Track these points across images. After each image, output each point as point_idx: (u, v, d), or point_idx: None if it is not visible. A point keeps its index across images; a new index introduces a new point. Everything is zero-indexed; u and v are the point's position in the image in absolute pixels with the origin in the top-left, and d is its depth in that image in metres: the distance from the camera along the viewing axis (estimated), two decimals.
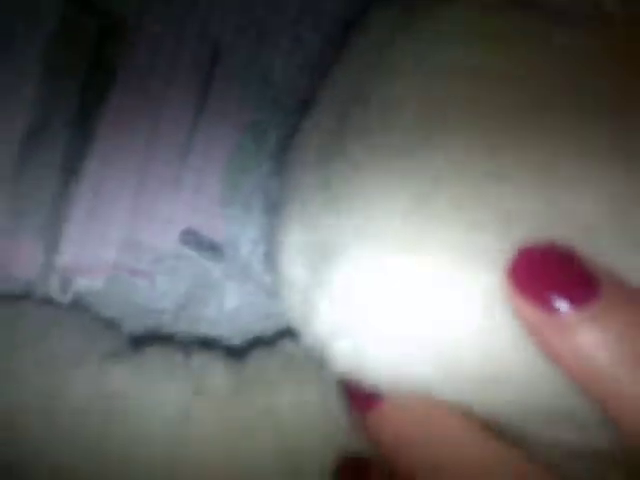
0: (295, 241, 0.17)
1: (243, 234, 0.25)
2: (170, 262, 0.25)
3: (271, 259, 0.19)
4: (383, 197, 0.15)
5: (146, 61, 0.24)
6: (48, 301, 0.23)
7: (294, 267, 0.17)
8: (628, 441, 0.14)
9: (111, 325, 0.23)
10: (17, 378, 0.20)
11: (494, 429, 0.16)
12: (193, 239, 0.25)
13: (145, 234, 0.25)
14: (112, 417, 0.20)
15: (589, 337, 0.14)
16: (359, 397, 0.18)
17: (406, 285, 0.15)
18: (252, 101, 0.25)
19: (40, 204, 0.24)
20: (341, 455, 0.19)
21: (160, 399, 0.20)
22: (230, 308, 0.26)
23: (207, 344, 0.24)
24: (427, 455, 0.17)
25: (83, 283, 0.24)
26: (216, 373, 0.21)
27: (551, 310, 0.15)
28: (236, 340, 0.24)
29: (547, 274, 0.15)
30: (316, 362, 0.18)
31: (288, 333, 0.23)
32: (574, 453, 0.16)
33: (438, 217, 0.15)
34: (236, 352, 0.23)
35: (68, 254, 0.24)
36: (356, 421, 0.18)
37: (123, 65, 0.24)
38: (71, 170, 0.24)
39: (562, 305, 0.15)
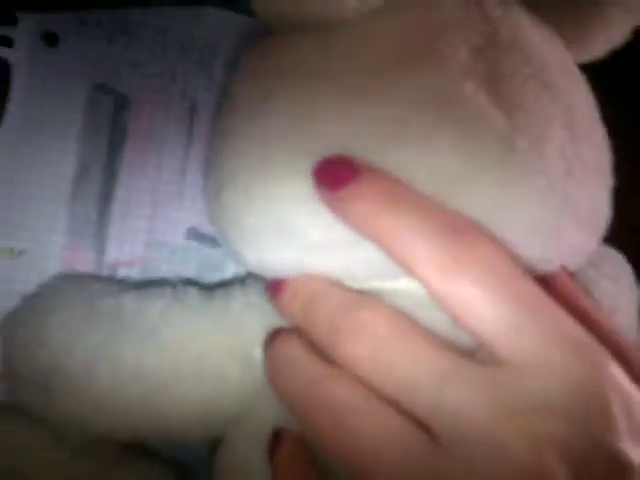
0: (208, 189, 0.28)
1: None
2: (181, 252, 0.36)
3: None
4: (244, 149, 0.26)
5: (148, 119, 0.36)
6: None
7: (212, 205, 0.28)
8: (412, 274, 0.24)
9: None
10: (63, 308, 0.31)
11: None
12: (195, 234, 0.36)
13: (161, 235, 0.36)
14: (122, 323, 0.30)
15: (360, 206, 0.23)
16: (271, 286, 0.27)
17: (266, 203, 0.26)
18: None
19: (89, 222, 0.35)
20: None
21: (150, 306, 0.30)
22: (228, 278, 0.36)
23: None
24: (321, 311, 0.25)
25: (124, 272, 0.35)
26: (191, 291, 0.32)
27: (334, 191, 0.23)
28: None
29: (331, 170, 0.24)
30: None
31: None
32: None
33: (275, 149, 0.25)
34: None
35: (112, 254, 0.35)
36: (275, 305, 0.27)
37: (133, 124, 0.35)
38: (106, 197, 0.35)
39: (340, 186, 0.23)
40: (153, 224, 0.35)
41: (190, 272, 0.36)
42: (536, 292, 0.23)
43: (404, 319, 0.24)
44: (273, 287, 0.27)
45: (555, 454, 0.21)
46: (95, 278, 0.34)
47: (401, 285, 0.26)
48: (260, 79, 0.26)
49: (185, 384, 0.30)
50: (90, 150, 0.35)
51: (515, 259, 0.24)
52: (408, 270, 0.23)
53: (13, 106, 0.33)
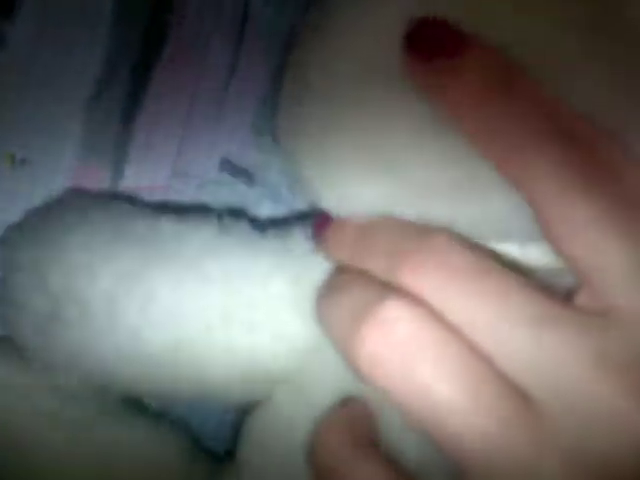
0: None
1: (272, 162, 0.31)
2: (211, 186, 0.30)
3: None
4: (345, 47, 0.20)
5: (192, 22, 0.30)
6: None
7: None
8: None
9: None
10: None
11: None
12: (229, 167, 0.31)
13: (191, 163, 0.30)
14: (158, 250, 0.25)
15: (461, 84, 0.18)
16: (317, 222, 0.22)
17: (361, 119, 0.20)
18: (277, 50, 0.30)
19: (107, 137, 0.29)
20: None
21: (193, 232, 0.25)
22: None
23: None
24: (378, 240, 0.20)
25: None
26: (242, 223, 0.26)
27: (429, 60, 0.18)
28: None
29: (431, 35, 0.18)
30: None
31: None
32: None
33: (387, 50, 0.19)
34: None
35: (130, 178, 0.30)
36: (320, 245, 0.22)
37: (174, 25, 0.30)
38: (132, 109, 0.30)
39: (439, 56, 0.18)
40: (183, 148, 0.30)
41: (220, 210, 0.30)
42: None
43: (489, 255, 0.19)
44: (319, 223, 0.22)
45: None
46: (119, 197, 0.28)
47: (512, 252, 0.20)
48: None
49: (231, 332, 0.24)
50: (121, 49, 0.29)
51: None
52: (510, 176, 0.18)
53: None
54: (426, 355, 0.18)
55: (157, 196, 0.30)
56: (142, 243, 0.25)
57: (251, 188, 0.30)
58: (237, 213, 0.29)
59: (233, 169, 0.30)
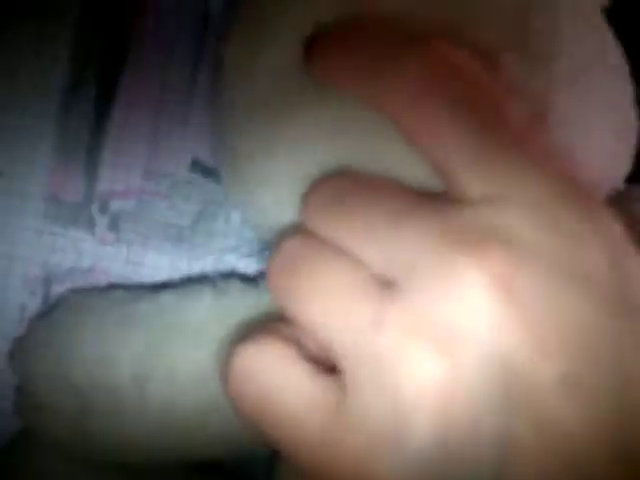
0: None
1: None
2: (184, 186, 0.31)
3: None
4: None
5: (155, 28, 0.31)
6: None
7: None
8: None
9: None
10: None
11: None
12: (200, 167, 0.31)
13: (162, 164, 0.31)
14: (166, 324, 0.26)
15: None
16: None
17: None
18: None
19: (80, 143, 0.30)
20: None
21: (193, 302, 0.27)
22: (236, 222, 0.32)
23: None
24: None
25: (117, 205, 0.31)
26: (233, 282, 0.27)
27: None
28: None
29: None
30: None
31: None
32: None
33: None
34: None
35: (104, 181, 0.31)
36: None
37: (138, 32, 0.30)
38: (101, 115, 0.30)
39: None
40: (154, 150, 0.31)
41: (192, 210, 0.31)
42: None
43: None
44: None
45: None
46: (111, 287, 0.30)
47: None
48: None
49: None
50: (85, 60, 0.30)
51: None
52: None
53: None
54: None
55: (131, 201, 0.31)
56: (150, 322, 0.26)
57: (220, 185, 0.31)
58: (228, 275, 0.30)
59: (203, 169, 0.31)
